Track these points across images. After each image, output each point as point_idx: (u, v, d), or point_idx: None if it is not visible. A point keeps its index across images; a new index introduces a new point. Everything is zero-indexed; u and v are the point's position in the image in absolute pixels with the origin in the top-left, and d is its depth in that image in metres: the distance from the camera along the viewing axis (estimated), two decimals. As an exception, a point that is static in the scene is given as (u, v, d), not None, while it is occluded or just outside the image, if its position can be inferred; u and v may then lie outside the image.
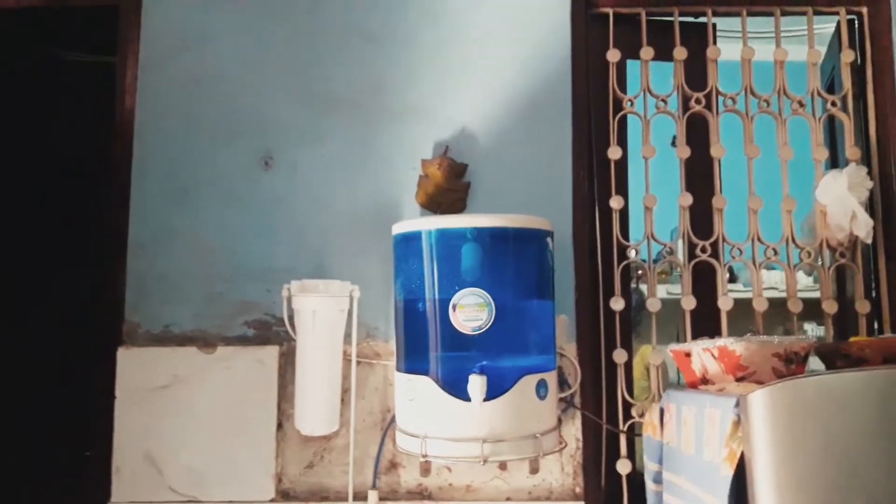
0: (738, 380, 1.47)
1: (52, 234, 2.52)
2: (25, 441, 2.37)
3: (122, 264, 1.92)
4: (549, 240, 1.69)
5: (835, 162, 2.22)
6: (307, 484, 1.83)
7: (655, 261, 1.98)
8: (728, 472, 1.17)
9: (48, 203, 2.54)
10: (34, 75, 2.54)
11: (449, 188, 1.93)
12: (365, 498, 1.80)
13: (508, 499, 1.83)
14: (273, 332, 1.88)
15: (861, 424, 1.11)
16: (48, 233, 2.51)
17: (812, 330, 2.94)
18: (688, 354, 1.55)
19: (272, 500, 1.80)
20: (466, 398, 1.51)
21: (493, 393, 1.51)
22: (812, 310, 1.99)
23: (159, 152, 1.99)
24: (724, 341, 1.49)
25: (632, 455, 1.88)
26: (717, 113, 2.01)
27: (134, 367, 1.83)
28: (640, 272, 2.46)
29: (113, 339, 1.87)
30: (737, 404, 1.19)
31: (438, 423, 1.55)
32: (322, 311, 1.76)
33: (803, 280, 2.87)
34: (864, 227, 1.86)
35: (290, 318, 1.79)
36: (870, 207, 1.97)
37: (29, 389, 2.31)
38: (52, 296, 2.46)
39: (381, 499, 1.81)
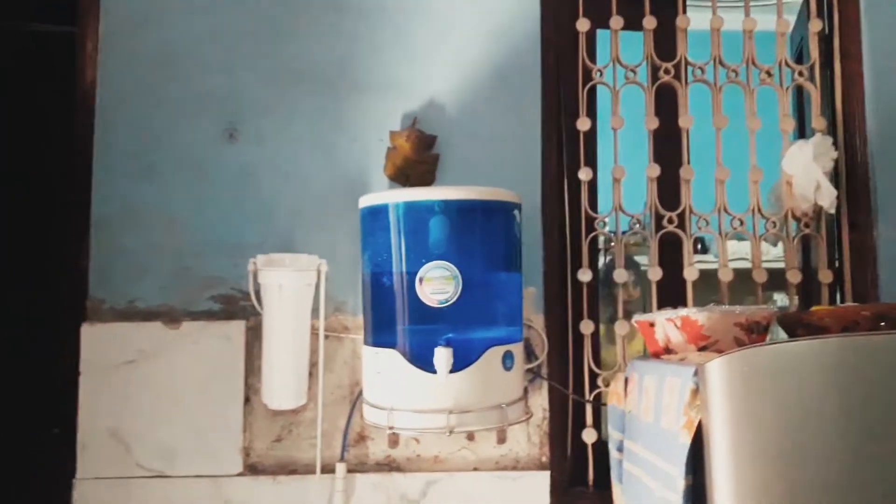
0: (701, 349, 1.49)
1: (13, 210, 2.47)
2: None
3: (85, 240, 1.88)
4: (516, 212, 1.69)
5: (802, 132, 2.24)
6: (275, 458, 1.84)
7: (624, 232, 1.99)
8: (686, 439, 1.18)
9: (7, 178, 2.49)
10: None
11: (418, 160, 1.92)
12: (333, 471, 1.80)
13: (476, 469, 1.85)
14: (240, 306, 1.87)
15: (816, 392, 1.13)
16: (8, 209, 2.46)
17: (781, 300, 2.98)
18: (651, 325, 1.57)
19: (240, 474, 1.81)
20: (433, 370, 1.52)
21: (459, 365, 1.52)
22: (781, 280, 2.01)
23: (123, 126, 1.94)
24: (687, 311, 1.50)
25: (598, 425, 1.90)
26: (686, 83, 2.01)
27: (98, 343, 1.82)
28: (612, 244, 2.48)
29: (77, 316, 1.85)
30: (695, 373, 1.20)
31: (405, 395, 1.56)
32: (288, 285, 1.75)
33: (774, 251, 2.91)
34: (827, 198, 1.87)
35: (257, 292, 1.78)
36: (835, 178, 1.99)
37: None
38: (14, 272, 2.42)
39: (349, 471, 1.82)
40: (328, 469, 1.81)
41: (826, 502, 1.09)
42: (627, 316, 1.90)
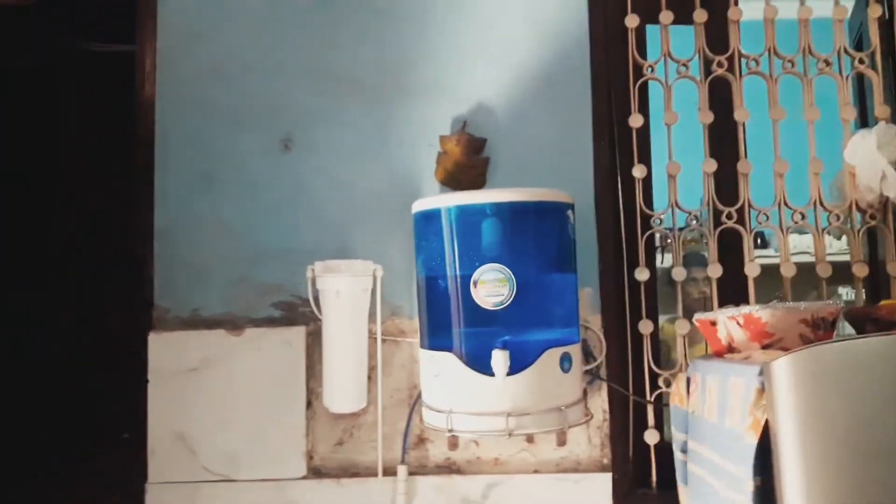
0: (765, 347, 1.46)
1: (83, 225, 2.58)
2: (66, 424, 2.45)
3: (149, 251, 1.95)
4: (569, 212, 1.68)
5: (864, 121, 2.16)
6: (337, 461, 1.87)
7: (681, 229, 1.96)
8: (752, 440, 1.16)
9: (75, 195, 2.60)
10: (55, 66, 2.58)
11: (468, 164, 1.92)
12: (394, 473, 1.82)
13: (536, 471, 1.84)
14: (299, 312, 1.90)
15: (887, 390, 1.09)
16: (77, 224, 2.57)
17: (847, 294, 2.89)
18: (713, 323, 1.54)
19: (304, 478, 1.84)
20: (490, 373, 1.52)
21: (516, 367, 1.52)
22: (845, 274, 1.95)
23: (181, 139, 2.01)
24: (749, 308, 1.47)
25: (660, 426, 1.87)
26: (741, 75, 1.96)
27: (164, 351, 1.88)
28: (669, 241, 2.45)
29: (144, 324, 1.91)
30: (760, 372, 1.17)
31: (463, 398, 1.56)
32: (346, 291, 1.78)
33: (837, 244, 2.82)
34: (894, 188, 1.81)
35: (316, 298, 1.81)
36: (901, 167, 1.92)
37: (68, 376, 2.38)
38: (86, 283, 2.52)
39: (410, 473, 1.83)
40: (390, 471, 1.83)
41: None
42: (688, 314, 1.86)
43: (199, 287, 1.93)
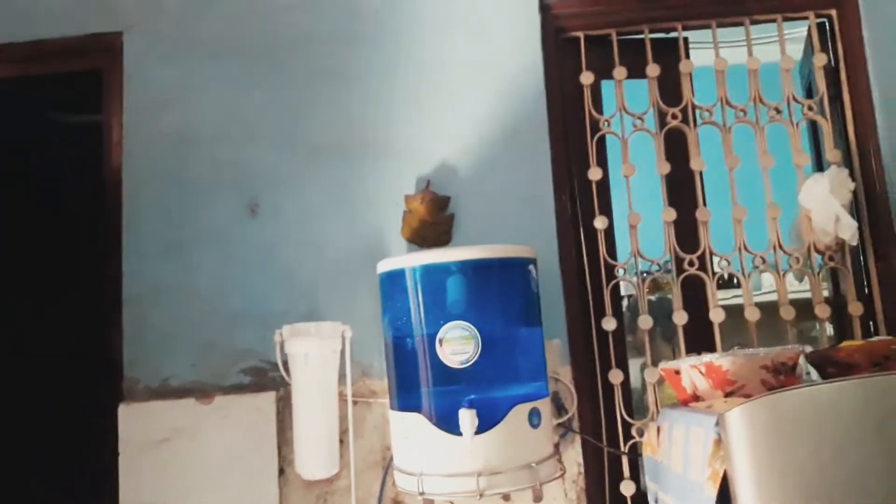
0: (727, 395, 1.47)
1: (49, 295, 2.57)
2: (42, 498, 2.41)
3: (118, 319, 1.95)
4: (531, 267, 1.70)
5: (820, 166, 2.22)
6: (312, 528, 1.84)
7: (644, 277, 1.99)
8: (711, 492, 1.17)
9: (42, 261, 2.60)
10: (31, 137, 2.61)
11: (433, 221, 1.95)
12: (370, 538, 1.80)
13: (513, 529, 1.82)
14: (269, 377, 1.90)
15: (842, 434, 1.11)
16: (44, 295, 2.56)
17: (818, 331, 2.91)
18: (677, 372, 1.55)
19: (278, 547, 1.82)
20: (459, 433, 1.51)
21: (484, 425, 1.52)
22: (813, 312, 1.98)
23: (149, 207, 2.03)
24: (711, 357, 1.49)
25: (635, 476, 1.87)
26: (695, 126, 2.02)
27: (135, 422, 1.86)
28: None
29: (114, 395, 1.90)
30: (717, 423, 1.19)
31: (434, 459, 1.55)
32: (314, 354, 1.78)
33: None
34: (848, 230, 1.85)
35: (285, 362, 1.81)
36: (855, 209, 1.97)
37: (36, 449, 2.35)
38: (53, 353, 2.51)
39: (385, 538, 1.81)
40: (365, 537, 1.81)
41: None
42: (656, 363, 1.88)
43: (169, 355, 1.93)
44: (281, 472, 1.85)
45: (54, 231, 2.70)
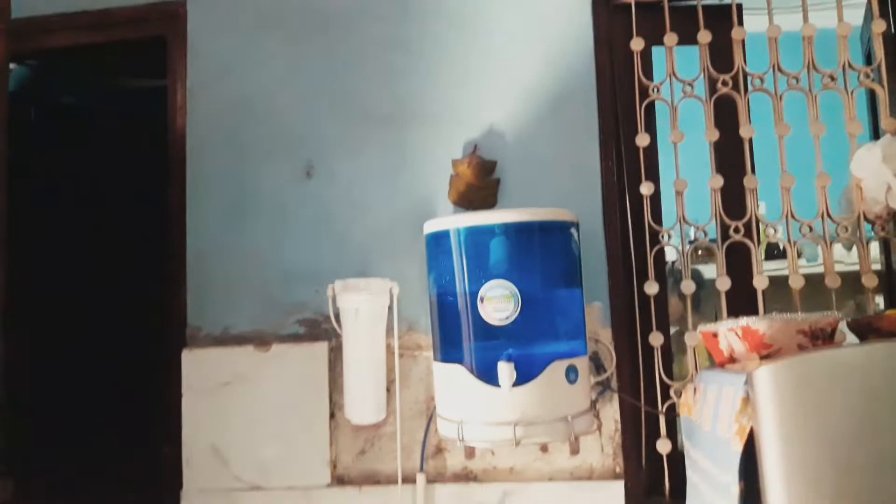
0: (763, 358, 1.50)
1: (121, 253, 2.73)
2: (111, 437, 2.60)
3: (182, 275, 2.08)
4: (573, 230, 1.75)
5: (875, 135, 2.18)
6: (360, 469, 1.96)
7: (691, 242, 2.01)
8: (737, 447, 1.21)
9: (114, 222, 2.76)
10: (100, 102, 2.75)
11: (479, 185, 2.01)
12: (413, 481, 1.91)
13: (551, 479, 1.91)
14: (322, 329, 2.01)
15: (872, 399, 1.13)
16: (116, 252, 2.72)
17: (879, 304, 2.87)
18: (715, 335, 1.58)
19: (328, 485, 1.94)
20: (498, 384, 1.59)
21: (522, 379, 1.59)
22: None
23: (211, 169, 2.14)
24: (748, 320, 1.51)
25: (672, 435, 1.92)
26: (745, 93, 2.01)
27: (198, 367, 2.00)
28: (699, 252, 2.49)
29: (179, 342, 2.04)
30: (746, 381, 1.22)
31: (473, 408, 1.64)
32: (364, 308, 1.87)
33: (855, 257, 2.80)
34: (899, 199, 1.83)
35: (337, 315, 1.92)
36: (909, 178, 1.94)
37: (107, 393, 2.53)
38: (123, 306, 2.67)
39: (428, 481, 1.91)
40: (409, 480, 1.92)
41: (880, 505, 1.09)
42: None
43: (229, 306, 2.05)
44: (332, 416, 1.97)
45: (124, 191, 2.85)
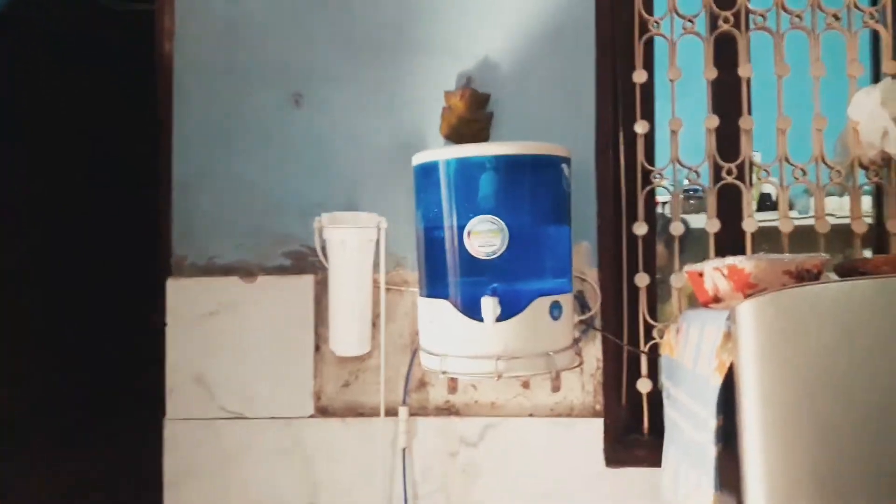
0: (748, 297, 1.49)
1: (105, 179, 2.69)
2: (94, 364, 2.61)
3: (168, 202, 2.05)
4: (564, 166, 1.72)
5: (877, 78, 2.14)
6: (343, 401, 1.97)
7: (685, 190, 1.98)
8: (717, 381, 1.22)
9: (96, 149, 2.71)
10: (80, 24, 2.67)
11: (472, 118, 1.97)
12: (396, 414, 1.92)
13: (531, 415, 1.92)
14: (308, 262, 1.99)
15: (852, 335, 1.13)
16: (100, 178, 2.68)
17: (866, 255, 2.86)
18: (700, 274, 1.58)
19: (311, 416, 1.95)
20: (482, 319, 1.59)
21: (506, 314, 1.59)
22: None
23: (198, 95, 2.09)
24: (734, 260, 1.50)
25: (653, 375, 1.93)
26: (746, 31, 1.96)
27: (182, 296, 1.99)
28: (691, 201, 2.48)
29: (163, 271, 2.03)
30: (728, 317, 1.22)
31: (457, 343, 1.64)
32: (351, 242, 1.86)
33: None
34: (895, 144, 1.81)
35: (323, 248, 1.90)
36: (908, 123, 1.91)
37: (90, 321, 2.53)
38: (107, 234, 2.65)
39: (411, 414, 1.93)
40: (392, 412, 1.93)
41: (855, 442, 1.10)
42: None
43: (215, 236, 2.03)
44: (317, 348, 1.97)
45: (108, 116, 2.80)
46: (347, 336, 1.88)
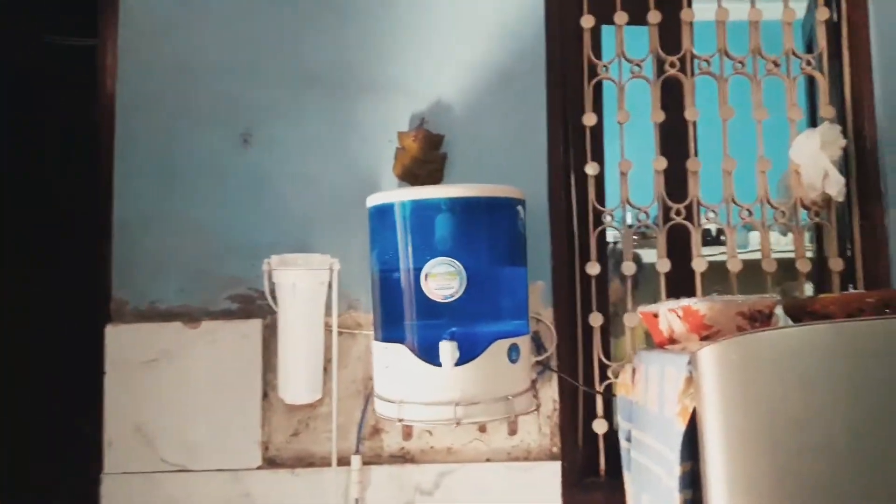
0: (703, 339, 1.51)
1: (40, 218, 2.57)
2: (26, 417, 2.45)
3: (107, 244, 1.96)
4: (520, 208, 1.72)
5: (814, 122, 2.23)
6: (293, 451, 1.89)
7: (631, 226, 2.01)
8: (681, 426, 1.21)
9: (32, 187, 2.59)
10: (21, 59, 2.57)
11: (425, 160, 1.96)
12: (349, 463, 1.86)
13: (488, 459, 1.89)
14: (256, 305, 1.93)
15: (811, 379, 1.14)
16: (35, 217, 2.56)
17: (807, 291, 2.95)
18: (655, 315, 1.59)
19: (259, 467, 1.87)
20: (440, 364, 1.55)
21: (465, 358, 1.56)
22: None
23: (142, 134, 2.02)
24: (689, 301, 1.52)
25: (609, 415, 1.92)
26: (692, 75, 2.02)
27: (122, 343, 1.89)
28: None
29: (102, 316, 1.93)
30: (689, 361, 1.22)
31: (414, 388, 1.60)
32: (302, 284, 1.80)
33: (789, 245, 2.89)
34: (835, 186, 1.87)
35: (273, 291, 1.84)
36: (845, 166, 1.99)
37: (24, 370, 2.38)
38: (42, 276, 2.52)
39: (364, 463, 1.87)
40: (344, 461, 1.86)
41: (823, 489, 1.10)
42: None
43: (158, 279, 1.95)
44: (265, 396, 1.89)
45: (42, 155, 2.68)
46: (297, 382, 1.82)
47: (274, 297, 1.84)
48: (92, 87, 2.07)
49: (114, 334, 1.90)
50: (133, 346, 1.89)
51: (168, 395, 1.88)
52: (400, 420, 1.59)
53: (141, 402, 1.88)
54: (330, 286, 1.86)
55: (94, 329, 1.91)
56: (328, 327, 1.86)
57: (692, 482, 1.21)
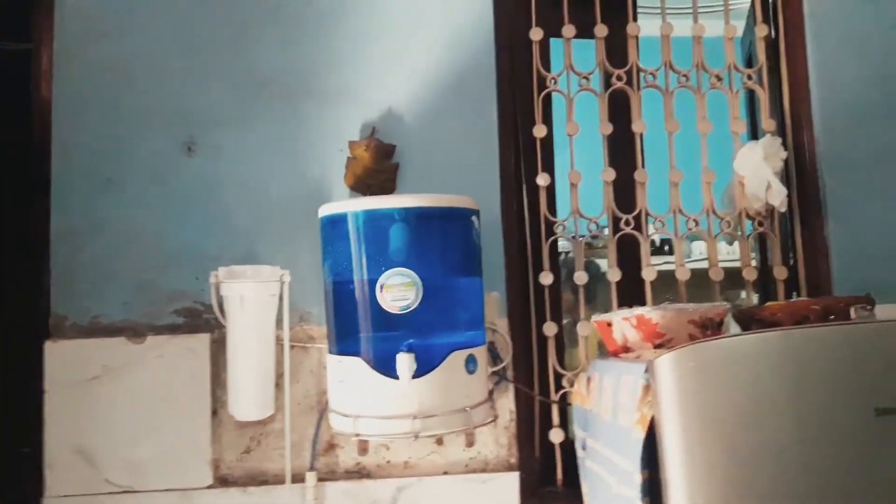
0: (657, 347, 1.53)
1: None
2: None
3: (45, 256, 1.88)
4: (474, 218, 1.72)
5: (755, 134, 2.30)
6: (245, 469, 1.84)
7: (582, 236, 2.03)
8: (639, 434, 1.22)
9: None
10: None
11: (377, 169, 1.94)
12: (303, 480, 1.81)
13: (445, 472, 1.87)
14: (203, 319, 1.87)
15: (764, 384, 1.16)
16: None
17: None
18: (609, 324, 1.61)
19: (209, 487, 1.81)
20: (396, 376, 1.53)
21: (422, 370, 1.54)
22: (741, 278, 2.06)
23: (81, 140, 1.94)
24: (642, 310, 1.54)
25: (565, 425, 1.93)
26: (638, 89, 2.06)
27: (62, 360, 1.81)
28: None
29: (40, 333, 1.84)
30: (646, 369, 1.23)
31: (370, 402, 1.58)
32: (251, 297, 1.76)
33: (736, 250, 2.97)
34: (778, 197, 1.93)
35: (220, 304, 1.79)
36: (786, 177, 2.05)
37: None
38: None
39: (319, 479, 1.83)
40: (298, 478, 1.82)
41: (777, 491, 1.13)
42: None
43: (99, 293, 1.87)
44: (214, 413, 1.84)
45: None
46: (248, 398, 1.77)
47: (222, 311, 1.79)
48: (26, 93, 1.99)
49: (53, 351, 1.82)
50: (74, 362, 1.81)
51: (112, 414, 1.80)
52: (357, 435, 1.56)
53: (83, 421, 1.79)
54: (281, 298, 1.82)
55: (33, 346, 1.81)
56: (279, 341, 1.82)
57: (650, 490, 1.22)
